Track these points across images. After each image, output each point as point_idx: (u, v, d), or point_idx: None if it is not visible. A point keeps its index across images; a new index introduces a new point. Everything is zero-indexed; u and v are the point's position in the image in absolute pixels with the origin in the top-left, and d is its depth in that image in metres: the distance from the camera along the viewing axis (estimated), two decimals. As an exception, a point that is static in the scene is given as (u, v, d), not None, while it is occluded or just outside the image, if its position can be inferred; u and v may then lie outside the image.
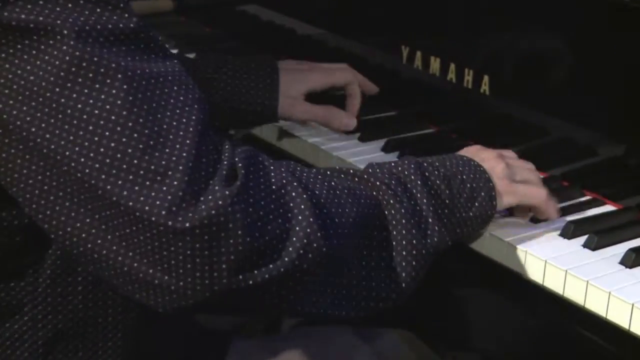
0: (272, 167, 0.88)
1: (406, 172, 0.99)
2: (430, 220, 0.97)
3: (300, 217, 0.86)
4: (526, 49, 1.29)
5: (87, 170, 0.81)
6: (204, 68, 1.30)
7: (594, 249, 1.08)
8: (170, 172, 0.81)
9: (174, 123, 0.82)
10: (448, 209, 1.00)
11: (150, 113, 0.82)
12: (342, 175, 0.96)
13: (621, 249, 1.07)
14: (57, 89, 0.80)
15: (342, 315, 0.93)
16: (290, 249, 0.85)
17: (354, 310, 0.93)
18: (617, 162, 1.21)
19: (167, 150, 0.81)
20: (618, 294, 0.99)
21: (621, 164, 1.21)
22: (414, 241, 0.95)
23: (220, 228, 0.81)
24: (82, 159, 0.81)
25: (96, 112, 0.81)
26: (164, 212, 0.80)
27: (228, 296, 0.83)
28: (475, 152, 1.09)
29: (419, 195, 0.97)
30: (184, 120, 0.83)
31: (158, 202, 0.80)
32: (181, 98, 0.84)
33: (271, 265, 0.84)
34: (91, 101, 0.81)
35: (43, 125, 0.81)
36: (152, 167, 0.81)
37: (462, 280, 1.12)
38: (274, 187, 0.86)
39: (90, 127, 0.81)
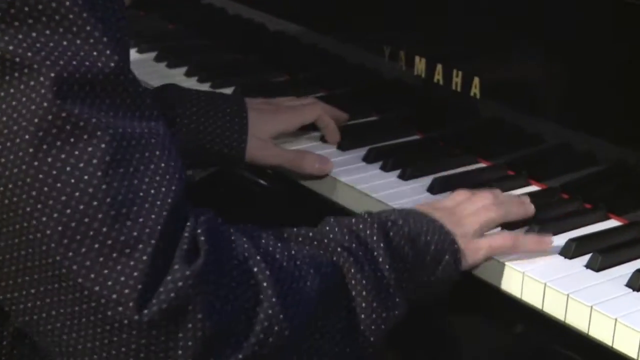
0: (233, 238, 0.88)
1: (368, 232, 0.99)
2: (391, 290, 0.97)
3: (262, 296, 0.86)
4: (520, 48, 1.27)
5: (44, 234, 0.80)
6: (165, 102, 1.27)
7: (597, 270, 1.07)
8: (139, 246, 0.80)
9: (151, 191, 0.82)
10: (409, 273, 1.01)
11: (126, 178, 0.81)
12: (300, 239, 0.96)
13: (628, 269, 1.06)
14: (29, 141, 0.79)
15: None
16: (251, 333, 0.85)
17: None
18: (620, 171, 1.20)
19: (139, 220, 0.81)
20: (625, 320, 0.98)
21: (625, 174, 1.20)
22: (374, 315, 0.95)
23: (179, 314, 0.81)
24: (42, 220, 0.79)
25: (68, 169, 0.79)
26: (124, 300, 0.80)
27: None
28: (432, 210, 1.08)
29: (380, 259, 0.97)
30: (162, 189, 0.83)
31: (120, 285, 0.80)
32: (162, 165, 0.84)
33: (229, 351, 0.84)
34: (64, 159, 0.79)
35: (6, 172, 0.79)
36: (121, 238, 0.80)
37: (449, 305, 1.11)
38: (236, 261, 0.86)
39: (58, 185, 0.79)
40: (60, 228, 0.79)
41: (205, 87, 1.58)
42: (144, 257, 0.80)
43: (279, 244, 0.92)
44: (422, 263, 1.01)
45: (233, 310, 0.84)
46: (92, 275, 0.80)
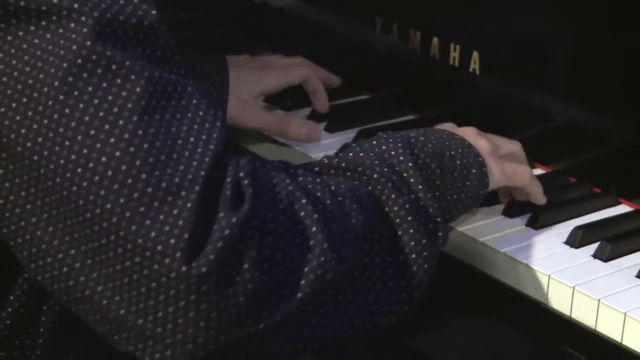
0: (276, 181, 0.88)
1: (393, 153, 0.99)
2: (430, 211, 0.97)
3: (312, 242, 0.86)
4: (522, 19, 1.27)
5: (81, 187, 0.80)
6: None
7: (606, 260, 1.07)
8: (182, 193, 0.81)
9: (191, 139, 0.83)
10: (440, 191, 1.02)
11: (163, 124, 0.82)
12: (333, 171, 0.97)
13: (638, 259, 1.06)
14: (57, 83, 0.81)
15: (350, 337, 0.94)
16: (303, 282, 0.85)
17: (363, 330, 0.95)
18: (632, 153, 1.20)
19: (180, 167, 0.82)
20: (635, 314, 0.98)
21: (637, 156, 1.19)
22: (424, 241, 0.95)
23: (228, 265, 0.81)
24: (77, 172, 0.80)
25: (101, 114, 0.81)
26: (170, 251, 0.80)
27: (236, 344, 0.84)
28: (452, 128, 1.10)
29: (412, 180, 0.97)
30: (203, 136, 0.84)
31: (165, 236, 0.80)
32: (200, 112, 0.85)
33: (283, 303, 0.85)
34: (97, 102, 0.81)
35: (34, 126, 0.81)
36: (162, 185, 0.81)
37: (446, 300, 1.11)
38: (282, 204, 0.86)
39: (92, 132, 0.81)
40: (96, 178, 0.80)
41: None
42: (188, 205, 0.80)
43: (318, 180, 0.92)
44: (451, 179, 1.02)
45: (283, 258, 0.84)
46: (134, 227, 0.80)
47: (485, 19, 1.31)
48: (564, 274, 1.04)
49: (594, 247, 1.09)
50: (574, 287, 1.02)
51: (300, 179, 0.91)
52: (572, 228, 1.11)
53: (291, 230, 0.86)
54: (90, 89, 0.81)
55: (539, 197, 1.14)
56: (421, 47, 1.37)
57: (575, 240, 1.10)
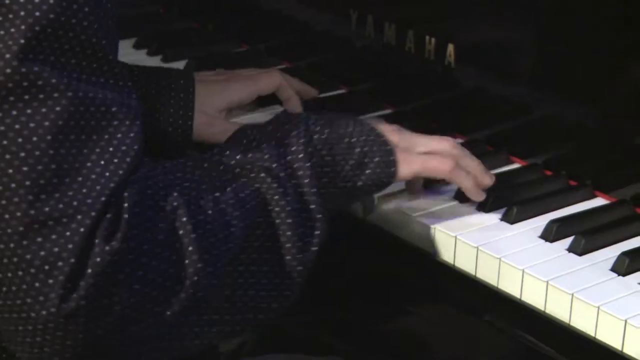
0: (162, 204, 0.90)
1: (293, 148, 1.02)
2: (312, 207, 1.00)
3: (187, 261, 0.90)
4: (497, 10, 1.27)
5: None
6: None
7: (580, 254, 1.07)
8: (78, 217, 0.83)
9: (101, 162, 0.85)
10: (329, 178, 1.04)
11: (75, 145, 0.84)
12: (222, 168, 0.99)
13: (613, 252, 1.07)
14: None
15: (219, 338, 0.98)
16: (175, 298, 0.89)
17: (233, 331, 0.98)
18: (607, 146, 1.21)
19: (83, 190, 0.84)
20: (608, 308, 0.98)
21: (614, 148, 1.20)
22: (299, 243, 0.98)
23: (102, 294, 0.85)
24: None
25: (17, 127, 0.82)
26: (48, 287, 0.83)
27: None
28: (371, 121, 1.12)
29: (304, 176, 1.00)
30: (115, 160, 0.86)
31: (49, 263, 0.83)
32: (119, 135, 0.87)
33: (153, 320, 0.89)
34: (14, 117, 0.82)
35: None
36: (59, 206, 0.83)
37: (414, 294, 1.12)
38: (162, 224, 0.89)
39: (5, 143, 0.82)
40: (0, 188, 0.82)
41: (155, 60, 1.57)
42: (81, 230, 0.83)
43: (204, 187, 0.95)
44: (345, 166, 1.04)
45: (154, 278, 0.88)
46: (19, 251, 0.83)
47: (460, 12, 1.31)
48: (538, 268, 1.05)
49: (568, 240, 1.09)
50: (547, 282, 1.03)
51: (186, 184, 0.94)
52: (547, 222, 1.12)
53: (167, 250, 0.89)
54: (10, 100, 0.82)
55: (469, 189, 1.14)
56: (397, 40, 1.37)
57: (550, 234, 1.10)
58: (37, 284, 0.83)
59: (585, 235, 1.08)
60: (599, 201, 1.19)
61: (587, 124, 1.23)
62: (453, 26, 1.32)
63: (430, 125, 1.35)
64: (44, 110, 0.83)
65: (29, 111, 0.82)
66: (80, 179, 0.84)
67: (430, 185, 1.19)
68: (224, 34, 1.67)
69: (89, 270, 0.84)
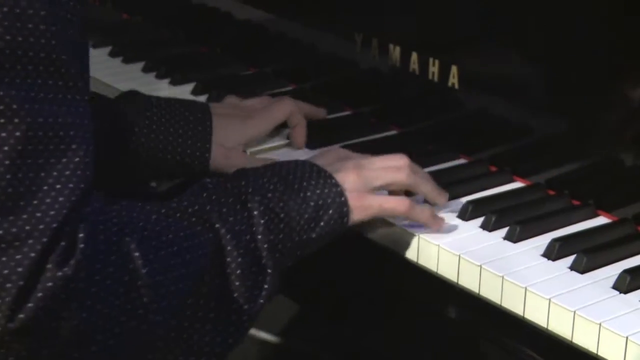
0: (115, 239, 0.93)
1: (249, 205, 1.06)
2: (264, 262, 1.04)
3: (132, 295, 0.93)
4: (499, 34, 1.30)
5: None
6: (124, 111, 1.30)
7: (582, 272, 1.09)
8: (29, 241, 0.86)
9: (57, 186, 0.88)
10: (283, 234, 1.07)
11: (32, 169, 0.87)
12: (179, 215, 1.03)
13: (615, 270, 1.09)
14: None
15: None
16: (118, 330, 0.92)
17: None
18: (610, 166, 1.22)
19: (36, 214, 0.86)
20: (610, 325, 1.00)
21: (615, 168, 1.22)
22: (247, 295, 1.02)
23: (48, 317, 0.87)
24: None
25: None
26: (4, 294, 0.85)
27: None
28: (328, 161, 1.16)
29: (254, 229, 1.05)
30: (69, 185, 0.88)
31: (3, 278, 0.85)
32: (75, 159, 0.89)
33: (96, 349, 0.92)
34: None
35: None
36: (13, 230, 0.85)
37: (416, 312, 1.14)
38: (113, 257, 0.92)
39: None
40: None
41: (164, 83, 1.60)
42: (32, 254, 0.86)
43: (158, 229, 0.98)
44: (298, 222, 1.08)
45: (102, 309, 0.91)
46: None
47: (463, 34, 1.34)
48: (541, 286, 1.07)
49: (571, 259, 1.11)
50: (549, 299, 1.05)
51: (141, 224, 0.97)
52: (549, 240, 1.13)
53: (116, 283, 0.92)
54: None
55: (428, 222, 1.16)
56: (401, 62, 1.40)
57: (553, 252, 1.12)
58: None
59: (587, 254, 1.10)
60: (601, 220, 1.21)
61: (589, 144, 1.24)
62: (456, 48, 1.34)
63: (434, 147, 1.38)
64: (4, 134, 0.85)
65: None
66: (35, 202, 0.87)
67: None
68: (231, 57, 1.70)
69: (39, 294, 0.86)
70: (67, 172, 0.89)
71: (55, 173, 0.88)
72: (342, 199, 1.11)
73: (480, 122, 1.35)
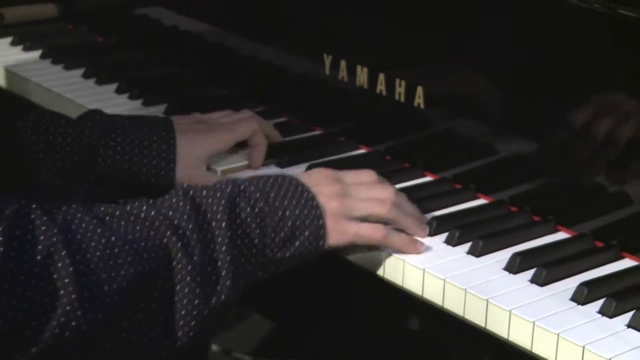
0: (42, 229, 0.96)
1: (214, 208, 1.08)
2: (223, 274, 1.06)
3: (61, 292, 0.96)
4: (462, 56, 1.34)
5: None
6: (88, 132, 1.32)
7: (542, 285, 1.13)
8: None
9: None
10: (256, 249, 1.10)
11: None
12: (132, 219, 1.04)
13: (573, 283, 1.13)
14: None
15: None
16: (47, 328, 0.95)
17: None
18: (568, 183, 1.27)
19: None
20: (568, 335, 1.04)
21: (575, 185, 1.27)
22: (197, 301, 1.04)
23: None
24: None
25: None
26: None
27: None
28: (316, 181, 1.17)
29: (219, 239, 1.06)
30: None
31: None
32: None
33: (29, 345, 0.95)
34: None
35: None
36: None
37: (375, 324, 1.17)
38: (38, 257, 0.95)
39: None
40: None
41: (137, 103, 1.63)
42: None
43: (98, 230, 1.00)
44: (273, 240, 1.11)
45: (30, 306, 0.94)
46: None
47: (429, 56, 1.38)
48: (502, 298, 1.11)
49: (531, 272, 1.15)
50: (510, 311, 1.09)
51: (77, 227, 0.99)
52: (511, 254, 1.18)
53: (42, 281, 0.95)
54: None
55: (406, 249, 1.18)
56: (368, 83, 1.44)
57: (514, 266, 1.16)
58: None
59: (546, 267, 1.14)
60: (560, 235, 1.25)
61: (549, 163, 1.29)
62: (422, 70, 1.39)
63: (401, 165, 1.42)
64: None
65: None
66: None
67: None
68: (203, 78, 1.73)
69: None
70: None
71: None
72: (320, 222, 1.13)
73: (445, 141, 1.39)
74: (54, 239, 0.97)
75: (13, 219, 0.95)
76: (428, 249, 1.21)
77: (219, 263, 1.06)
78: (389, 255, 1.19)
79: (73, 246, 0.98)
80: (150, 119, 1.38)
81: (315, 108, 1.56)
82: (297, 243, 1.12)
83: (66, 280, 0.96)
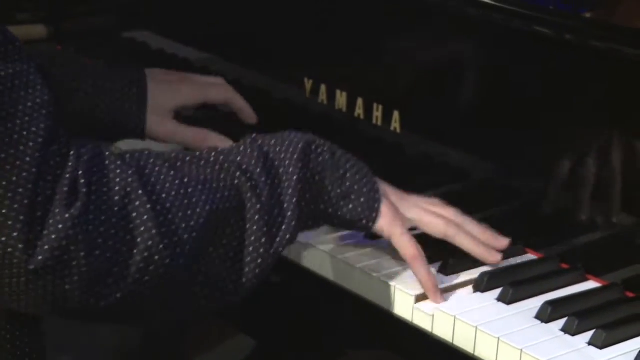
0: (117, 172, 0.99)
1: (282, 155, 1.11)
2: (289, 215, 1.09)
3: (142, 229, 0.99)
4: (440, 80, 1.39)
5: None
6: (61, 75, 1.36)
7: (508, 303, 1.18)
8: (19, 189, 0.91)
9: (24, 133, 0.93)
10: (312, 195, 1.13)
11: (3, 114, 0.92)
12: (202, 163, 1.07)
13: (538, 302, 1.17)
14: None
15: (184, 314, 1.09)
16: (132, 263, 0.98)
17: (196, 307, 1.07)
18: (534, 207, 1.32)
19: (16, 163, 0.92)
20: (530, 351, 1.08)
21: (543, 209, 1.31)
22: (263, 239, 1.07)
23: (63, 256, 0.93)
24: None
25: None
26: (13, 243, 0.91)
27: (84, 313, 0.99)
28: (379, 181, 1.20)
29: (286, 184, 1.09)
30: (33, 129, 0.93)
31: (7, 229, 0.91)
32: (29, 104, 0.94)
33: (119, 283, 0.98)
34: None
35: None
36: (2, 183, 0.91)
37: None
38: (117, 197, 0.98)
39: None
40: None
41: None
42: (25, 201, 0.92)
43: (171, 172, 1.03)
44: (331, 192, 1.13)
45: (114, 244, 0.97)
46: None
47: (405, 82, 1.43)
48: (469, 315, 1.15)
49: (498, 291, 1.19)
50: (476, 327, 1.13)
51: (150, 171, 1.02)
52: (479, 274, 1.22)
53: (123, 220, 0.97)
54: None
55: (472, 249, 1.21)
56: (347, 107, 1.49)
57: (481, 285, 1.20)
58: (3, 238, 0.91)
59: (513, 287, 1.19)
60: (528, 257, 1.29)
61: (521, 187, 1.34)
62: (399, 95, 1.44)
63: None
64: None
65: None
66: (12, 151, 0.91)
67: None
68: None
69: (52, 236, 0.92)
70: (27, 118, 0.93)
71: (18, 121, 0.93)
72: (377, 195, 1.16)
73: (421, 165, 1.44)
74: (130, 179, 0.99)
75: (90, 164, 0.97)
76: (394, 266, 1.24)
77: (285, 205, 1.09)
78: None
79: (148, 187, 1.00)
80: (123, 65, 1.41)
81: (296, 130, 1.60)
82: (350, 205, 1.15)
83: (145, 217, 0.98)
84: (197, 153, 1.09)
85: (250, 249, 1.07)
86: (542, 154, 1.30)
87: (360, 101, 1.47)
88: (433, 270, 1.23)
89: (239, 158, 1.09)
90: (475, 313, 1.16)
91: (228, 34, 1.71)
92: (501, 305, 1.18)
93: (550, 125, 1.28)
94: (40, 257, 0.92)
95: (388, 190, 1.20)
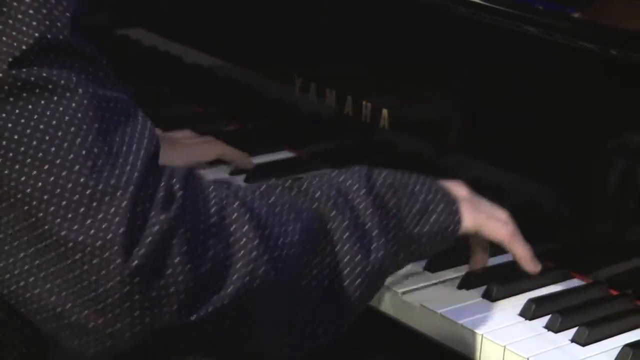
0: (211, 187, 0.98)
1: (349, 183, 1.09)
2: (375, 233, 1.06)
3: (243, 240, 0.96)
4: (429, 79, 1.41)
5: (32, 200, 0.89)
6: None
7: (493, 300, 1.19)
8: (118, 193, 0.90)
9: (125, 147, 0.92)
10: (396, 220, 1.09)
11: (101, 132, 0.91)
12: (279, 189, 1.06)
13: (521, 299, 1.18)
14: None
15: (287, 351, 1.04)
16: (235, 276, 0.95)
17: (301, 343, 1.04)
18: (526, 209, 1.33)
19: (116, 170, 0.91)
20: (513, 347, 1.10)
21: (530, 211, 1.33)
22: (359, 256, 1.04)
23: (160, 259, 0.91)
24: (27, 185, 0.89)
25: (41, 127, 0.89)
26: (109, 245, 0.89)
27: (170, 334, 0.94)
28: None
29: (362, 205, 1.07)
30: (136, 143, 0.93)
31: (104, 232, 0.89)
32: (137, 125, 0.94)
33: (215, 296, 0.95)
34: (35, 118, 0.89)
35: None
36: (100, 187, 0.90)
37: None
38: (213, 208, 0.96)
39: (34, 144, 0.89)
40: (39, 185, 0.89)
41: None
42: (124, 204, 0.90)
43: (257, 193, 1.02)
44: (408, 212, 1.10)
45: (214, 255, 0.94)
46: (75, 227, 0.89)
47: (394, 80, 1.44)
48: (453, 312, 1.16)
49: (483, 288, 1.21)
50: (461, 324, 1.14)
51: (240, 191, 1.01)
52: (464, 272, 1.24)
53: (223, 230, 0.95)
54: (20, 104, 0.89)
55: (524, 259, 1.20)
56: (336, 105, 1.50)
57: (467, 283, 1.22)
58: (98, 244, 0.89)
59: (497, 284, 1.20)
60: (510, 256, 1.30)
61: (509, 190, 1.35)
62: (387, 93, 1.45)
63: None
64: (61, 108, 0.89)
65: (48, 112, 0.89)
66: (111, 160, 0.91)
67: None
68: (179, 97, 1.79)
69: (149, 239, 0.90)
70: (131, 133, 0.93)
71: (121, 133, 0.92)
72: (451, 198, 1.13)
73: (410, 163, 1.44)
74: (224, 194, 0.98)
75: (185, 174, 0.96)
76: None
77: (368, 225, 1.06)
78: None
79: (244, 202, 0.99)
80: None
81: (286, 128, 1.62)
82: (431, 219, 1.12)
83: (245, 228, 0.96)
84: (275, 182, 1.07)
85: (348, 269, 1.04)
86: (529, 152, 1.31)
87: (349, 99, 1.48)
88: (420, 267, 1.25)
89: (312, 182, 1.08)
90: (459, 310, 1.17)
91: (220, 32, 1.72)
92: (486, 302, 1.19)
93: (537, 125, 1.29)
94: (136, 256, 0.90)
95: (453, 188, 1.17)
